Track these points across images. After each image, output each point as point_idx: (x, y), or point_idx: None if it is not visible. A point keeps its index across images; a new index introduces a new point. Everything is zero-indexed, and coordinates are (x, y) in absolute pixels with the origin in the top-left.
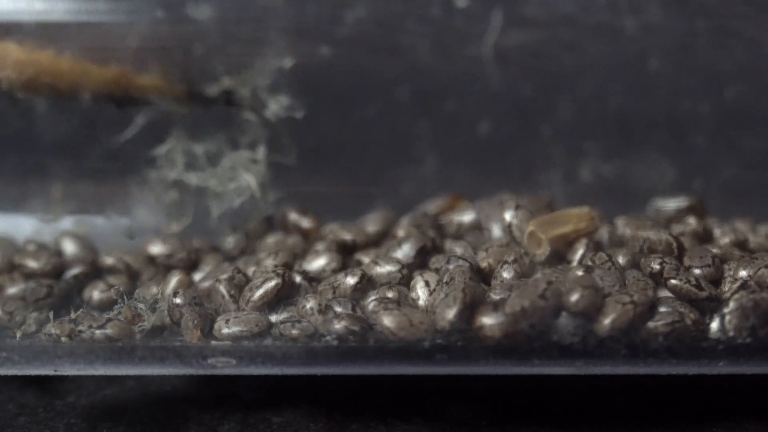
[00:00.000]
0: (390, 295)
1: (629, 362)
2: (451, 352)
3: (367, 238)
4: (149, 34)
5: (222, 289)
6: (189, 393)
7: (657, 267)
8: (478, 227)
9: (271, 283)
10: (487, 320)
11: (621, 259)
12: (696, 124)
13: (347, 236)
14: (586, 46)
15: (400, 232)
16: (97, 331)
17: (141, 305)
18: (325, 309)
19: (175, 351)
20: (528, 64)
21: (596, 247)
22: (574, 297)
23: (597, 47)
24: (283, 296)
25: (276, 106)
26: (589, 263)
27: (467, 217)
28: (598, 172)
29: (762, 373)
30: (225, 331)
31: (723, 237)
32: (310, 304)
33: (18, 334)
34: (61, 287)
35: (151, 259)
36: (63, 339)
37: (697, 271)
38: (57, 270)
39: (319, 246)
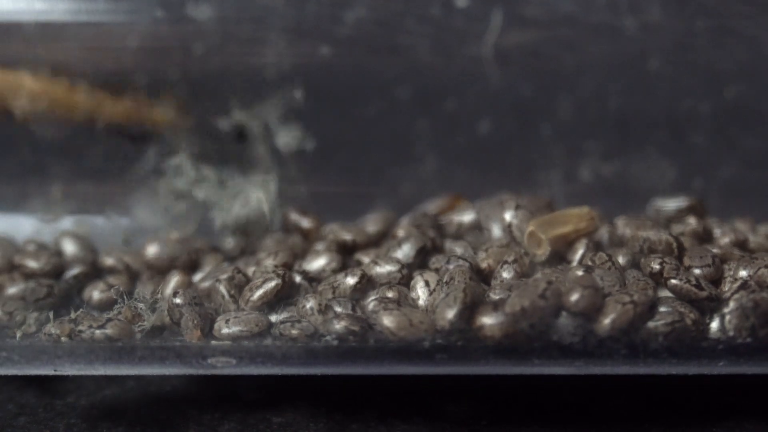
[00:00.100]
0: (390, 295)
1: (629, 362)
2: (451, 351)
3: (368, 238)
4: (149, 34)
5: (222, 289)
6: (189, 393)
7: (657, 267)
8: (478, 227)
9: (271, 284)
10: (487, 320)
11: (621, 259)
12: (696, 123)
13: (347, 236)
14: (585, 46)
15: (400, 232)
16: (97, 331)
17: (141, 305)
18: (325, 309)
19: (175, 351)
20: (528, 63)
21: (596, 247)
22: (574, 297)
23: (597, 47)
24: (283, 296)
25: (287, 137)
26: (589, 263)
27: (467, 217)
28: (598, 172)
29: (762, 373)
30: (225, 331)
31: (723, 237)
32: (310, 304)
33: (18, 334)
34: (61, 287)
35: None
36: (63, 339)
37: (697, 271)
38: (57, 270)
39: (319, 246)
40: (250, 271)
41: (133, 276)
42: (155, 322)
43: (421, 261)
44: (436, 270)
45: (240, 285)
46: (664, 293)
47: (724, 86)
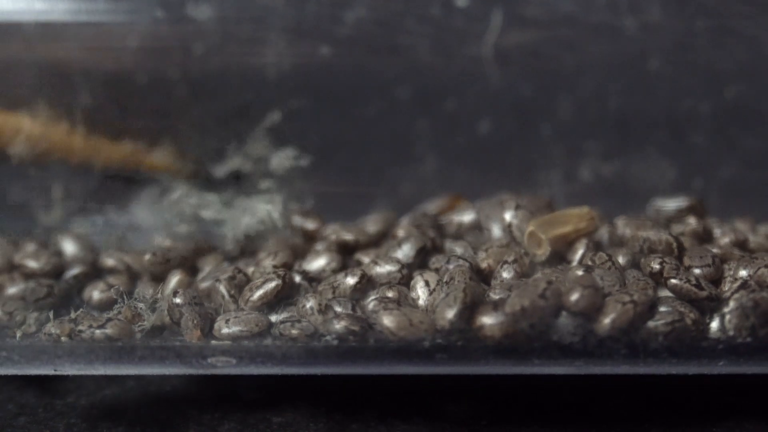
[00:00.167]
0: (390, 294)
1: (629, 362)
2: (451, 351)
3: (368, 238)
4: (149, 34)
5: (222, 289)
6: (189, 393)
7: (657, 267)
8: (478, 227)
9: (272, 284)
10: (487, 320)
11: (621, 259)
12: (696, 123)
13: (348, 236)
14: (585, 46)
15: (400, 232)
16: (97, 331)
17: (141, 305)
18: (325, 309)
19: (175, 350)
20: (528, 63)
21: (596, 247)
22: (574, 296)
23: (597, 47)
24: (283, 297)
25: (281, 158)
26: (589, 263)
27: (467, 217)
28: (598, 172)
29: (762, 372)
30: (225, 331)
31: (723, 237)
32: (310, 303)
33: (18, 334)
34: (61, 287)
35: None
36: (63, 339)
37: (697, 271)
38: (57, 270)
39: (319, 246)
40: (251, 271)
41: (133, 276)
42: (155, 322)
43: (421, 261)
44: (436, 270)
45: (240, 285)
46: (664, 293)
47: (724, 86)
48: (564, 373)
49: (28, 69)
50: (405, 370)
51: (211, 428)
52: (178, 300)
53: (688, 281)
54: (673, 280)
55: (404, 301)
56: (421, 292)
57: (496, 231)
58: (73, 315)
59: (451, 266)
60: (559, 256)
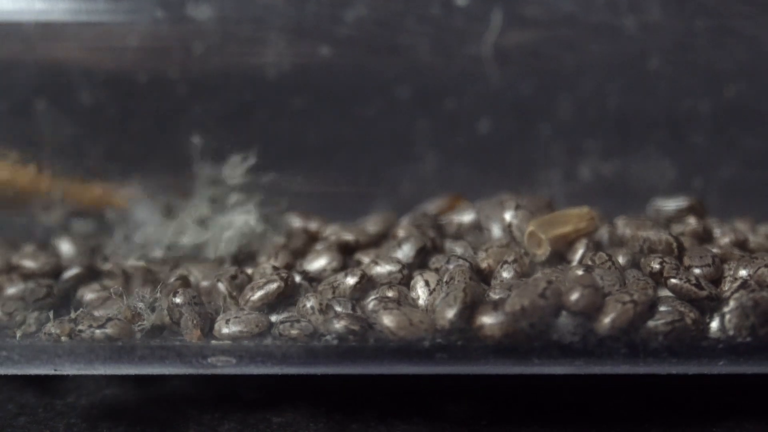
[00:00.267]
0: (390, 294)
1: (629, 361)
2: (451, 351)
3: (369, 238)
4: (149, 34)
5: (222, 288)
6: (189, 393)
7: (657, 266)
8: (478, 227)
9: (273, 286)
10: (487, 319)
11: (621, 259)
12: (696, 123)
13: (349, 237)
14: (585, 46)
15: (400, 232)
16: (97, 331)
17: (140, 304)
18: (325, 309)
19: (175, 350)
20: (528, 63)
21: (596, 246)
22: (574, 296)
23: (597, 46)
24: (284, 298)
25: (230, 168)
26: (589, 263)
27: (467, 217)
28: (597, 172)
29: (762, 372)
30: (225, 331)
31: (723, 237)
32: (310, 303)
33: (18, 334)
34: (60, 287)
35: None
36: (63, 338)
37: (697, 271)
38: (55, 271)
39: (320, 246)
40: (251, 271)
41: (129, 278)
42: (155, 322)
43: (421, 261)
44: (436, 270)
45: (242, 285)
46: (664, 293)
47: (724, 86)
48: (564, 372)
49: (28, 69)
50: (405, 370)
51: (211, 428)
52: (177, 300)
53: (688, 281)
54: (673, 280)
55: (404, 301)
56: (421, 292)
57: (496, 231)
58: (73, 315)
59: (451, 266)
60: (559, 256)
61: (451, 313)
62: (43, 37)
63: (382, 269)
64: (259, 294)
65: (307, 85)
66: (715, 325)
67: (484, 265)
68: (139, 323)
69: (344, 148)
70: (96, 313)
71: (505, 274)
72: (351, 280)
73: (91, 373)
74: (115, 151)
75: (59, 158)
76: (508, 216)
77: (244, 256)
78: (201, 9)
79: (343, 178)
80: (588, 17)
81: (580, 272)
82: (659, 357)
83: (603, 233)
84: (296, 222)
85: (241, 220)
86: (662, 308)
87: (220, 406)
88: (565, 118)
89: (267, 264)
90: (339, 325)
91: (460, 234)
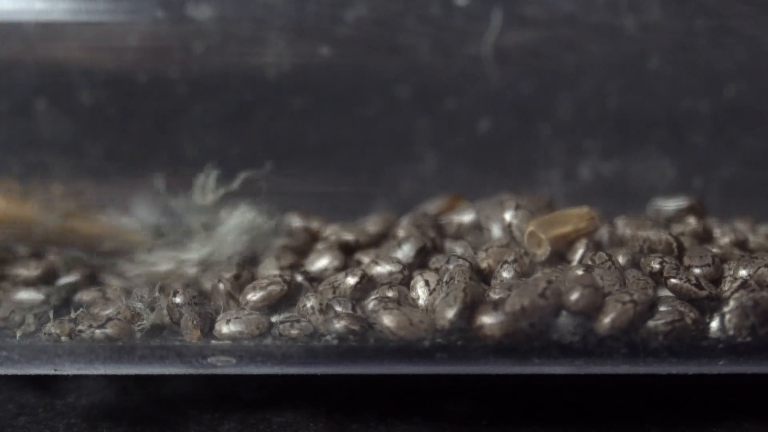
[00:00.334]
0: (390, 294)
1: (629, 361)
2: (451, 351)
3: (369, 238)
4: (149, 34)
5: (223, 288)
6: (189, 393)
7: (657, 266)
8: (478, 227)
9: (276, 288)
10: (487, 319)
11: (621, 259)
12: (696, 123)
13: (349, 236)
14: (585, 45)
15: (401, 232)
16: (97, 331)
17: (139, 304)
18: (325, 309)
19: (175, 350)
20: (528, 63)
21: (596, 246)
22: (574, 296)
23: (597, 46)
24: (286, 299)
25: (200, 191)
26: (589, 263)
27: (467, 217)
28: (597, 172)
29: (762, 372)
30: (225, 331)
31: (723, 237)
32: (310, 303)
33: (18, 334)
34: (56, 294)
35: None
36: (63, 338)
37: (697, 271)
38: (50, 278)
39: (321, 246)
40: (253, 270)
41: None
42: (155, 321)
43: (421, 261)
44: (436, 270)
45: (243, 285)
46: (664, 293)
47: (724, 86)
48: (564, 372)
49: (28, 69)
50: (405, 370)
51: (211, 428)
52: (178, 300)
53: (688, 281)
54: (673, 280)
55: (404, 301)
56: (421, 292)
57: (496, 231)
58: (73, 315)
59: (451, 266)
60: (559, 256)
61: (451, 313)
62: (43, 37)
63: (383, 269)
64: (260, 294)
65: (307, 85)
66: (715, 325)
67: (484, 265)
68: (139, 323)
69: (344, 148)
70: (95, 311)
71: (505, 274)
72: (351, 280)
73: (91, 373)
74: (115, 151)
75: (59, 158)
76: (508, 216)
77: (251, 255)
78: (201, 9)
79: (343, 178)
80: (588, 17)
81: (580, 272)
82: (659, 357)
83: (603, 233)
84: (297, 222)
85: (239, 220)
86: (662, 308)
87: (220, 406)
88: (565, 118)
89: (270, 264)
90: (339, 325)
91: (460, 234)
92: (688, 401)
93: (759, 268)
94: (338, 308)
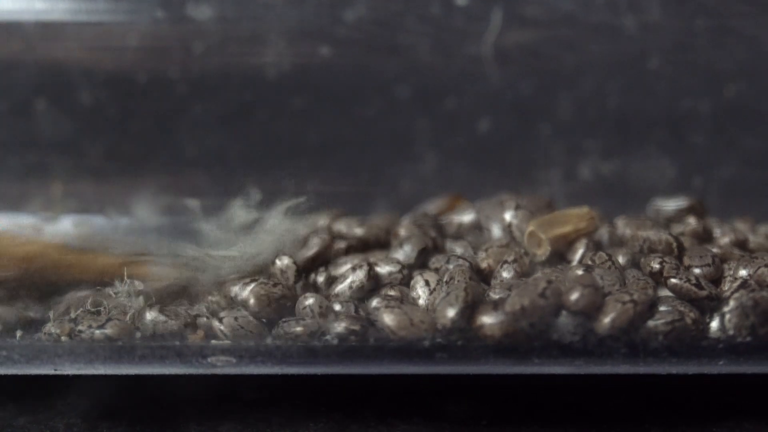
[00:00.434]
0: (391, 294)
1: (629, 361)
2: (451, 351)
3: (384, 238)
4: (149, 34)
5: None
6: (189, 393)
7: (657, 266)
8: (478, 227)
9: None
10: (487, 319)
11: (621, 259)
12: (696, 123)
13: (366, 235)
14: (585, 45)
15: (402, 232)
16: (97, 331)
17: (123, 299)
18: (325, 309)
19: (175, 350)
20: (528, 62)
21: (596, 246)
22: (574, 296)
23: (597, 46)
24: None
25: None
26: (589, 263)
27: (467, 217)
28: (597, 171)
29: (762, 372)
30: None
31: (723, 237)
32: (310, 303)
33: (18, 334)
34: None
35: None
36: (63, 338)
37: (697, 271)
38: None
39: (342, 245)
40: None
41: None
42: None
43: (422, 262)
44: (436, 270)
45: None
46: (664, 292)
47: (723, 86)
48: (564, 372)
49: (28, 69)
50: (405, 370)
51: (211, 428)
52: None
53: (688, 281)
54: (673, 280)
55: (405, 301)
56: (421, 292)
57: (496, 231)
58: (73, 315)
59: (451, 266)
60: (559, 256)
61: (452, 312)
62: (43, 37)
63: (382, 270)
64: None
65: (307, 85)
66: (715, 324)
67: (484, 265)
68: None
69: (344, 148)
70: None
71: (505, 274)
72: (365, 280)
73: (91, 373)
74: (115, 151)
75: (59, 158)
76: (508, 216)
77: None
78: (201, 9)
79: (343, 178)
80: (588, 17)
81: (580, 272)
82: (659, 357)
83: (603, 233)
84: (321, 221)
85: (275, 228)
86: (662, 308)
87: (220, 406)
88: (565, 118)
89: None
90: (339, 325)
91: (460, 234)
92: (688, 401)
93: (759, 268)
94: (338, 308)
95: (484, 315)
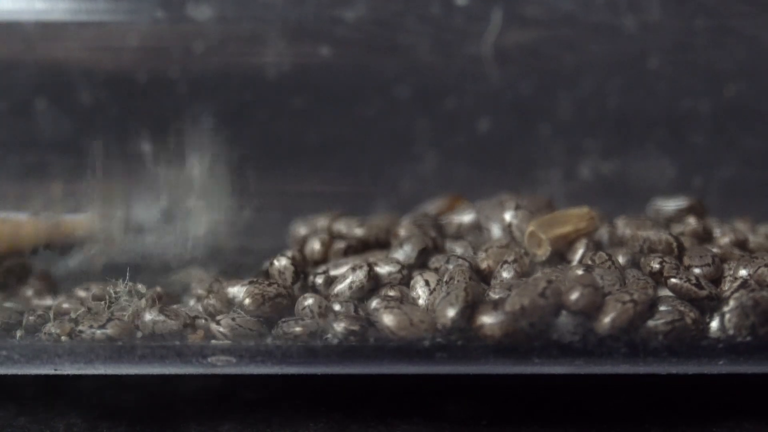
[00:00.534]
0: (391, 294)
1: (629, 361)
2: (451, 351)
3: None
4: (149, 34)
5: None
6: (189, 393)
7: (657, 266)
8: (478, 227)
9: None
10: (487, 319)
11: (621, 259)
12: (696, 123)
13: (366, 235)
14: (585, 45)
15: (402, 232)
16: (98, 331)
17: (122, 298)
18: (325, 309)
19: (175, 350)
20: (528, 62)
21: (596, 246)
22: (574, 295)
23: (596, 46)
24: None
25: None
26: (589, 262)
27: (467, 217)
28: (597, 171)
29: (762, 372)
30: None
31: (723, 237)
32: (309, 303)
33: (18, 334)
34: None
35: None
36: (63, 338)
37: (697, 271)
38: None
39: (341, 245)
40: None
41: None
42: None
43: (422, 262)
44: (436, 270)
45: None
46: (664, 292)
47: (724, 86)
48: (564, 372)
49: (28, 69)
50: (405, 370)
51: (211, 428)
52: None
53: (688, 280)
54: (673, 280)
55: (405, 301)
56: (421, 292)
57: (496, 231)
58: (73, 314)
59: (451, 266)
60: (559, 256)
61: (452, 312)
62: (43, 37)
63: (382, 270)
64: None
65: (307, 85)
66: (715, 324)
67: (484, 265)
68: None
69: (344, 148)
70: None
71: (505, 274)
72: (365, 280)
73: (91, 373)
74: (115, 151)
75: (59, 158)
76: (508, 216)
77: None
78: (201, 9)
79: (343, 178)
80: (588, 17)
81: (580, 272)
82: (659, 357)
83: (603, 233)
84: (321, 222)
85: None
86: (662, 308)
87: (220, 406)
88: (565, 118)
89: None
90: (339, 325)
91: (460, 234)
92: (688, 401)
93: (759, 267)
94: (337, 308)
95: (484, 315)
